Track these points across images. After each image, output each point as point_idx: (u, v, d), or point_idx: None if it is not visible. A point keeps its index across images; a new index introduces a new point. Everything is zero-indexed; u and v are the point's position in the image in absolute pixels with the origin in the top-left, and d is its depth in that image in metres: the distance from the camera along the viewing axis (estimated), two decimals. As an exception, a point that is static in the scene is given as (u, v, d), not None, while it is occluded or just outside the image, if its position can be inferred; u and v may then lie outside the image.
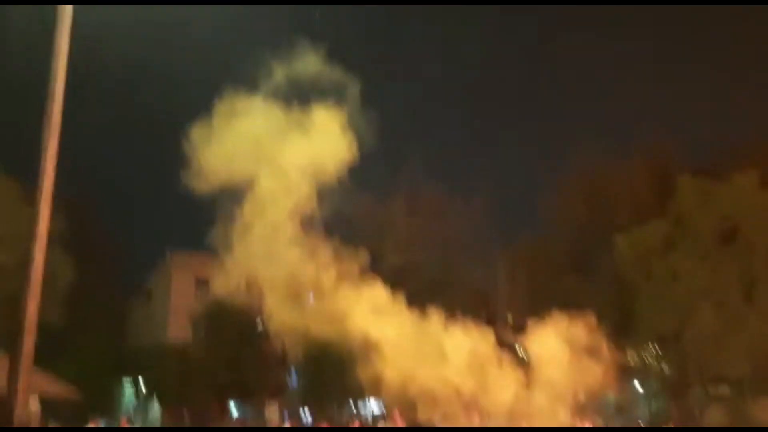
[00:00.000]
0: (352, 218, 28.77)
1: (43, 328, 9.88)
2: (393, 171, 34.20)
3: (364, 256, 15.43)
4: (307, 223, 14.99)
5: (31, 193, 9.93)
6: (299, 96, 14.68)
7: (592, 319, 16.72)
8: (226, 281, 14.83)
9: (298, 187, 14.60)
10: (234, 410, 35.56)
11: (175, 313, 37.66)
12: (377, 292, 15.39)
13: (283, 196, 14.56)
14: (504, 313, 36.74)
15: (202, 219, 14.85)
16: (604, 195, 33.71)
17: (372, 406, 36.12)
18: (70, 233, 30.81)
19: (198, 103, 14.47)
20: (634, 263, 28.97)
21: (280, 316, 14.92)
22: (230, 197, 14.41)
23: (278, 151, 14.41)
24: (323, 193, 14.80)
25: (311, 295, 15.86)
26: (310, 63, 14.44)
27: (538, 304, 28.73)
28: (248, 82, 14.45)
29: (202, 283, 33.86)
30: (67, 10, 9.84)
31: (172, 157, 14.23)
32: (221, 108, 14.19)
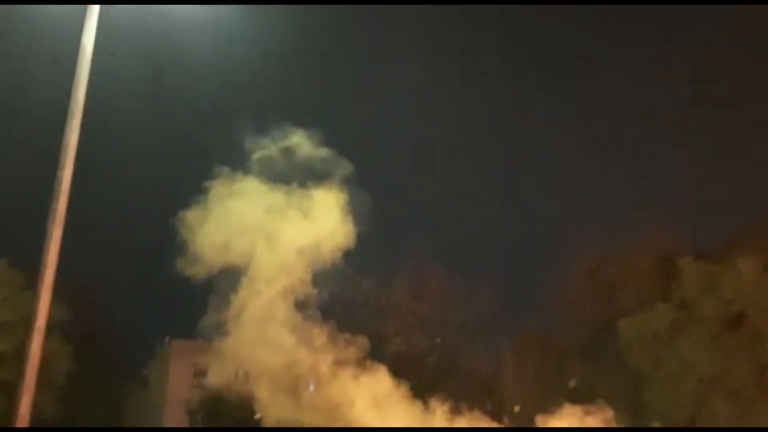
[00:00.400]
0: (351, 302, 28.45)
1: (37, 417, 9.72)
2: (394, 254, 34.24)
3: (363, 342, 15.13)
4: (302, 307, 14.79)
5: (34, 281, 10.03)
6: (295, 178, 14.74)
7: (608, 413, 16.41)
8: (222, 369, 14.56)
9: (294, 269, 14.48)
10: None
11: (172, 402, 36.68)
12: (378, 382, 15.04)
13: (278, 278, 14.44)
14: (511, 405, 35.75)
15: (200, 306, 14.71)
16: (609, 282, 33.60)
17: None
18: (69, 321, 30.62)
19: (194, 186, 14.52)
20: (641, 349, 28.45)
21: (275, 410, 14.51)
22: (226, 281, 14.29)
23: (274, 232, 14.32)
24: (321, 276, 14.70)
25: (311, 385, 15.49)
26: (302, 145, 14.58)
27: (546, 395, 28.18)
28: (242, 163, 14.48)
29: (200, 372, 33.17)
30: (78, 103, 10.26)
31: (171, 241, 14.25)
32: (216, 190, 14.16)
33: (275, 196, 14.36)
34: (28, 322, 9.80)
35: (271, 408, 14.50)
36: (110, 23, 11.75)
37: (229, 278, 14.19)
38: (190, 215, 14.07)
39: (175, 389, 36.92)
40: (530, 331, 35.79)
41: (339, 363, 14.70)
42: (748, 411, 25.72)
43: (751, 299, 27.48)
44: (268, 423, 15.49)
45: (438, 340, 34.67)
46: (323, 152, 14.66)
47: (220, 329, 14.12)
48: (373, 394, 14.75)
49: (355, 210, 14.63)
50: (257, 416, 29.39)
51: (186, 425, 32.99)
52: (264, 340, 14.12)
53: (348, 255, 14.59)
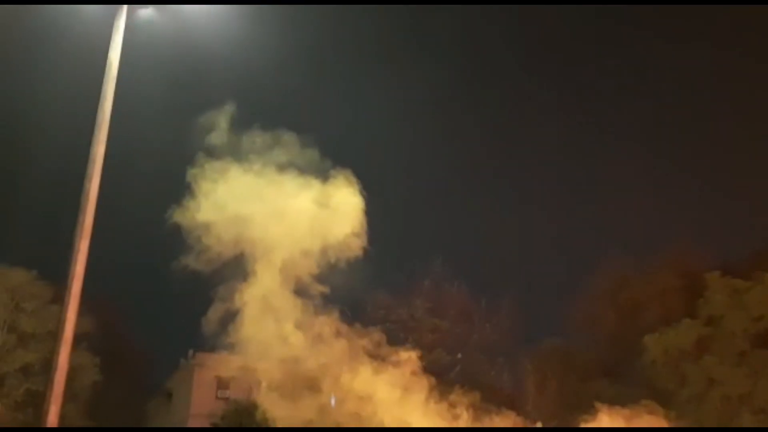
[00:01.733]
0: (370, 317, 28.29)
1: (64, 428, 9.93)
2: (413, 270, 34.23)
3: (378, 336, 14.83)
4: (317, 307, 14.28)
5: (61, 294, 10.29)
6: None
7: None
8: (243, 381, 14.44)
9: (306, 261, 14.06)
10: None
11: (196, 416, 36.92)
12: (401, 375, 14.83)
13: (290, 267, 13.99)
14: (533, 421, 35.35)
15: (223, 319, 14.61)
16: (633, 299, 33.22)
17: None
18: (95, 333, 31.10)
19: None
20: (666, 367, 27.99)
21: (295, 418, 14.42)
22: (233, 271, 13.79)
23: (286, 213, 13.86)
24: (335, 275, 14.22)
25: (333, 399, 15.44)
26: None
27: (568, 412, 27.83)
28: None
29: (224, 385, 33.31)
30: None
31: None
32: (210, 174, 13.76)
33: (287, 179, 13.88)
34: (56, 334, 10.04)
35: (291, 417, 14.46)
36: (136, 34, 12.06)
37: (237, 268, 13.77)
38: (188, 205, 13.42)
39: (199, 402, 37.16)
40: (552, 348, 35.45)
41: (356, 357, 14.39)
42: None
43: (780, 317, 26.94)
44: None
45: (459, 355, 34.45)
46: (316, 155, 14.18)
47: (226, 325, 13.68)
48: (396, 387, 14.51)
49: (370, 214, 14.41)
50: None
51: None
52: (275, 337, 13.71)
53: (364, 262, 14.43)
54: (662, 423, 19.46)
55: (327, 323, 14.45)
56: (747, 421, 25.84)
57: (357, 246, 14.21)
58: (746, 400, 26.41)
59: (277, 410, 15.09)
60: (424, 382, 15.44)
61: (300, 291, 14.24)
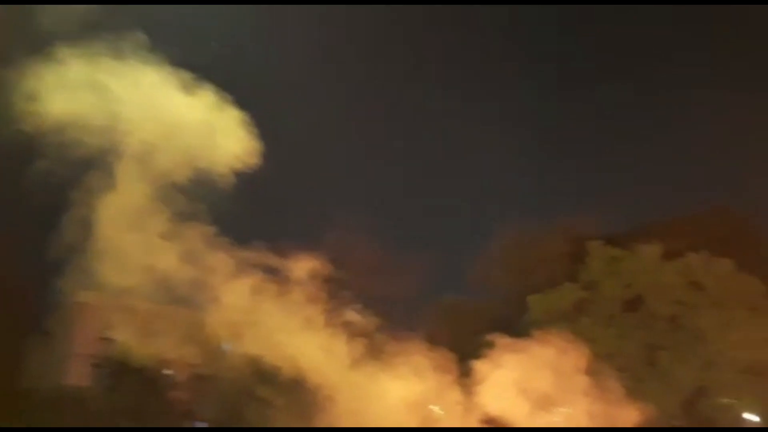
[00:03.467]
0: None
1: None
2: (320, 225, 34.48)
3: (266, 256, 14.46)
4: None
5: None
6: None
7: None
8: (125, 322, 13.96)
9: (177, 169, 13.12)
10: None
11: (77, 355, 36.07)
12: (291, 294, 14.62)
13: (157, 174, 12.94)
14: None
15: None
16: (524, 261, 35.16)
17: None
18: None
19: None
20: (547, 325, 29.97)
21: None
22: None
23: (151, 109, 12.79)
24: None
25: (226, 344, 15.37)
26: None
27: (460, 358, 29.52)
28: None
29: (106, 324, 32.57)
30: None
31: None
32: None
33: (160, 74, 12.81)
34: None
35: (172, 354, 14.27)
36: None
37: (98, 172, 12.74)
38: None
39: (81, 342, 36.21)
40: (449, 303, 37.07)
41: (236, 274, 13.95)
42: (636, 388, 27.60)
43: (648, 284, 29.40)
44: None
45: (359, 306, 35.32)
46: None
47: (84, 235, 12.64)
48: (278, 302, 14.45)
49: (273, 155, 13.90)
50: (166, 371, 29.53)
51: (93, 378, 32.61)
52: (137, 248, 12.73)
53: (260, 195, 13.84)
54: (552, 347, 21.12)
55: (199, 237, 13.64)
56: (612, 378, 28.23)
57: (242, 168, 13.68)
58: (612, 359, 28.81)
59: (159, 348, 14.96)
60: (316, 305, 15.40)
61: (171, 202, 13.46)
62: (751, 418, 30.25)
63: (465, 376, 23.15)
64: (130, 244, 13.02)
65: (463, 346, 34.11)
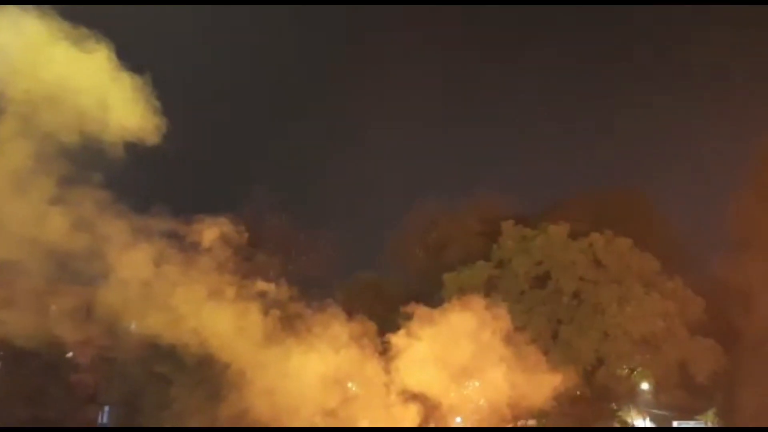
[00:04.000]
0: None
1: None
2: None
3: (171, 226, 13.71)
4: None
5: None
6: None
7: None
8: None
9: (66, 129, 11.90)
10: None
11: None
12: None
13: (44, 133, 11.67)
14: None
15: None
16: (439, 239, 36.02)
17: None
18: None
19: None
20: (458, 310, 30.94)
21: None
22: None
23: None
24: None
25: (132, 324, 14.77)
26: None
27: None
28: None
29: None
30: None
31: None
32: None
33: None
34: None
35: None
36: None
37: None
38: None
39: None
40: (364, 280, 37.44)
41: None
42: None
43: (556, 261, 30.93)
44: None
45: (273, 285, 35.11)
46: None
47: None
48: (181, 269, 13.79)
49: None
50: (68, 354, 28.34)
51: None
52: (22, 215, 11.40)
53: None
54: (471, 317, 22.01)
55: (91, 203, 12.60)
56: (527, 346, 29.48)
57: (144, 136, 12.83)
58: (521, 333, 30.17)
59: (55, 330, 14.02)
60: (226, 275, 14.96)
61: (59, 165, 12.29)
62: (646, 387, 32.71)
63: (383, 352, 23.57)
64: (11, 211, 11.73)
65: (379, 323, 34.90)
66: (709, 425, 32.38)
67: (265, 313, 15.90)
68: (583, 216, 32.26)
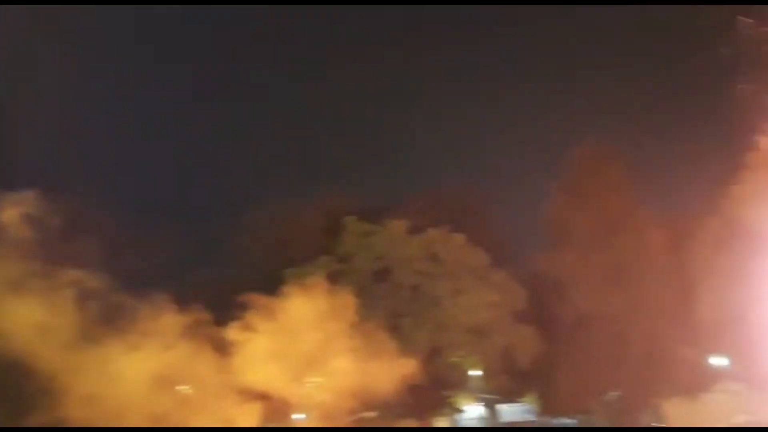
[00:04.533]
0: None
1: None
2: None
3: None
4: None
5: None
6: None
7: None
8: None
9: None
10: None
11: None
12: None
13: None
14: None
15: None
16: (281, 235, 35.73)
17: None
18: None
19: None
20: (299, 303, 30.87)
21: None
22: None
23: None
24: None
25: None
26: None
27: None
28: None
29: None
30: None
31: None
32: None
33: None
34: None
35: None
36: None
37: None
38: None
39: None
40: (202, 278, 36.10)
41: None
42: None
43: (396, 256, 32.05)
44: None
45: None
46: None
47: None
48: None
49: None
50: None
51: None
52: None
53: None
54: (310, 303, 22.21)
55: None
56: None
57: None
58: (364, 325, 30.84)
59: None
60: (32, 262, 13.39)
61: None
62: (476, 373, 34.79)
63: (220, 347, 22.72)
64: None
65: (218, 319, 33.84)
66: (530, 409, 35.22)
67: (80, 305, 14.43)
68: (422, 213, 33.70)
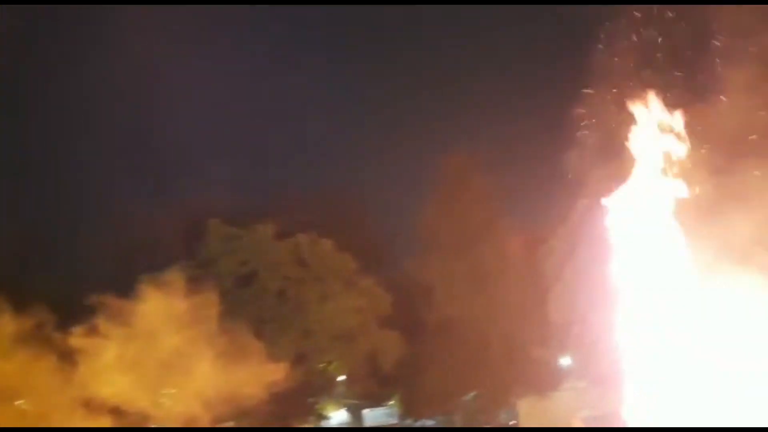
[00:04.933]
0: None
1: None
2: None
3: None
4: None
5: None
6: None
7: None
8: None
9: None
10: None
11: None
12: None
13: None
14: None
15: None
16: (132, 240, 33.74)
17: None
18: None
19: None
20: (156, 306, 29.21)
21: None
22: None
23: None
24: None
25: None
26: None
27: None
28: None
29: None
30: None
31: None
32: None
33: None
34: None
35: None
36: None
37: None
38: None
39: None
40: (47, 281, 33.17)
41: None
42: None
43: (262, 261, 31.18)
44: None
45: None
46: None
47: None
48: None
49: None
50: None
51: None
52: None
53: None
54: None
55: None
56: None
57: None
58: (225, 334, 29.67)
59: None
60: None
61: None
62: (342, 379, 34.74)
63: (66, 357, 20.86)
64: None
65: (63, 325, 31.19)
66: (395, 413, 35.71)
67: None
68: (288, 216, 33.11)
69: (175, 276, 29.59)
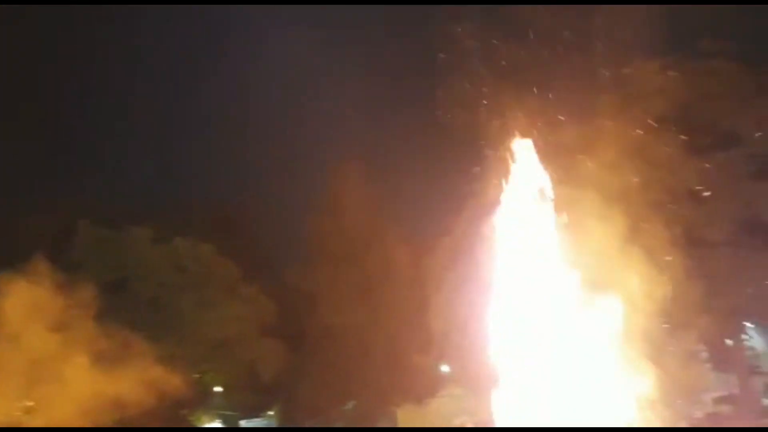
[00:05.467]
0: None
1: None
2: None
3: None
4: None
5: None
6: None
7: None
8: None
9: None
10: None
11: None
12: None
13: None
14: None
15: None
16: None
17: None
18: None
19: None
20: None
21: None
22: None
23: None
24: None
25: None
26: None
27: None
28: None
29: None
30: None
31: None
32: None
33: None
34: None
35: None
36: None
37: None
38: None
39: None
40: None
41: None
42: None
43: (135, 266, 29.37)
44: None
45: None
46: None
47: None
48: None
49: None
50: None
51: None
52: None
53: None
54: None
55: None
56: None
57: None
58: (92, 343, 27.60)
59: None
60: None
61: None
62: (219, 390, 33.47)
63: None
64: None
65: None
66: (273, 424, 34.90)
67: None
68: (167, 221, 31.58)
69: (39, 281, 27.39)
